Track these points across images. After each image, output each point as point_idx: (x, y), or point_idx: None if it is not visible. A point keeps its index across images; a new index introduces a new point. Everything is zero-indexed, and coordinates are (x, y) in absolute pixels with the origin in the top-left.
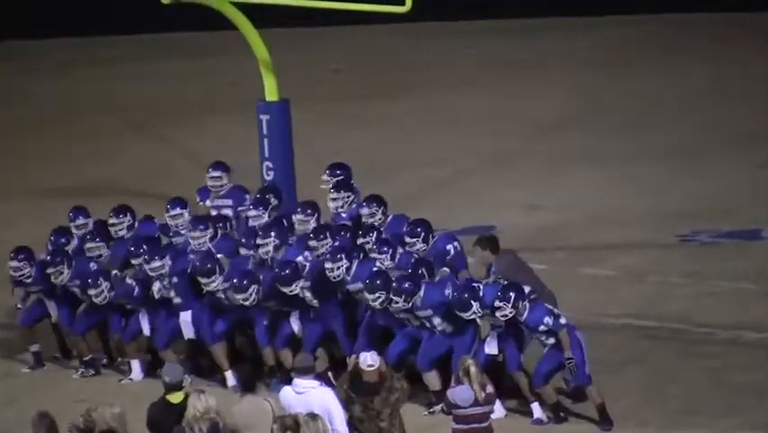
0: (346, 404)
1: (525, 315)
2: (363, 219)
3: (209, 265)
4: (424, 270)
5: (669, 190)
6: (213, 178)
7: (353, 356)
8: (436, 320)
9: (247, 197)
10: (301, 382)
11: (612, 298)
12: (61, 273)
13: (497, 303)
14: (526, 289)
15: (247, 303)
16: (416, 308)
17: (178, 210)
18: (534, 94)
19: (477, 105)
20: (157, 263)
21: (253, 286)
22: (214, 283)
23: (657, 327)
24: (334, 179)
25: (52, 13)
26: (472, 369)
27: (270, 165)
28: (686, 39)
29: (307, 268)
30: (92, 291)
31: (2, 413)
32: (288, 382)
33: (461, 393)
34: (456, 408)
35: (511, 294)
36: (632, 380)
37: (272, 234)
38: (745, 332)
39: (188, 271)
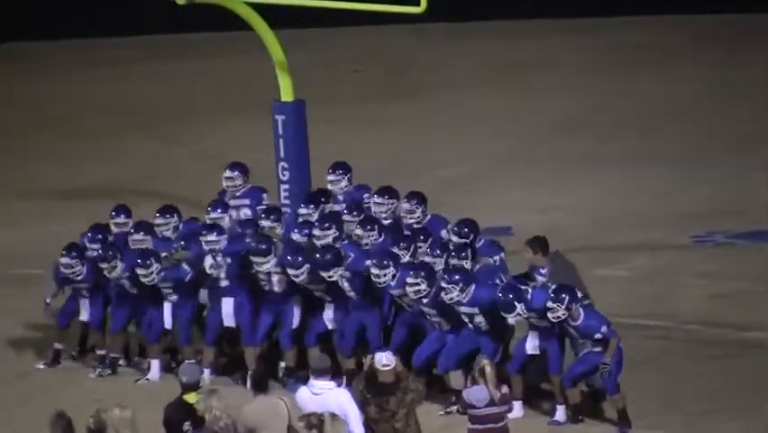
0: (362, 405)
1: (580, 321)
2: (402, 215)
3: (264, 246)
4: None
5: (682, 191)
6: (227, 178)
7: (369, 356)
8: (478, 319)
9: (265, 196)
10: (318, 383)
11: (626, 299)
12: (115, 267)
13: (549, 304)
14: (579, 293)
15: (297, 280)
16: (462, 304)
17: (218, 213)
18: (546, 95)
19: (490, 107)
20: (212, 237)
21: (306, 265)
22: (268, 264)
23: (671, 328)
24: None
25: (66, 14)
26: (488, 369)
27: (286, 165)
28: (695, 41)
29: (350, 260)
30: (142, 271)
31: (18, 412)
32: (305, 381)
33: (476, 393)
34: (472, 408)
35: (565, 296)
36: (646, 381)
37: (333, 226)
38: (760, 333)
39: (242, 254)
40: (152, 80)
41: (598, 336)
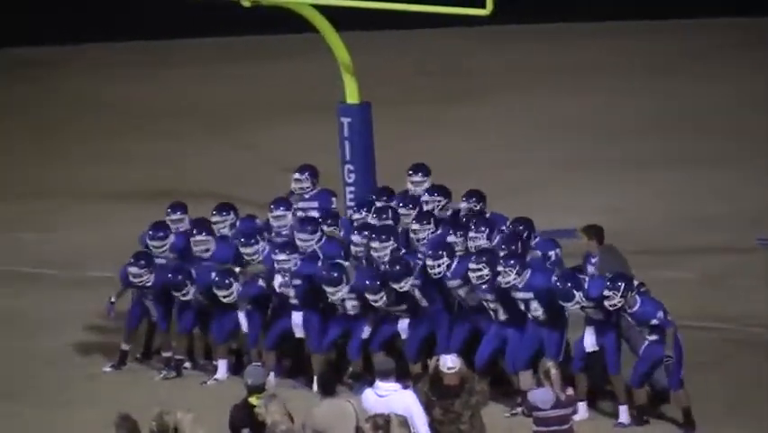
0: (427, 407)
1: (636, 307)
2: (462, 214)
3: (336, 275)
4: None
5: (747, 193)
6: (296, 180)
7: (434, 359)
8: (534, 305)
9: (333, 200)
10: (383, 385)
11: (692, 301)
12: (188, 293)
13: (606, 292)
14: (635, 281)
15: (376, 305)
16: (517, 289)
17: (281, 211)
18: (606, 97)
19: (550, 109)
20: (282, 256)
21: (384, 291)
22: (341, 293)
23: (738, 331)
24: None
25: (125, 18)
26: (553, 371)
27: (351, 168)
28: (758, 41)
29: (418, 266)
30: (222, 292)
31: (85, 414)
32: (372, 384)
33: (541, 395)
34: (537, 410)
35: (621, 283)
36: (712, 384)
37: (391, 238)
38: None
39: (313, 277)
40: (213, 82)
41: (654, 321)
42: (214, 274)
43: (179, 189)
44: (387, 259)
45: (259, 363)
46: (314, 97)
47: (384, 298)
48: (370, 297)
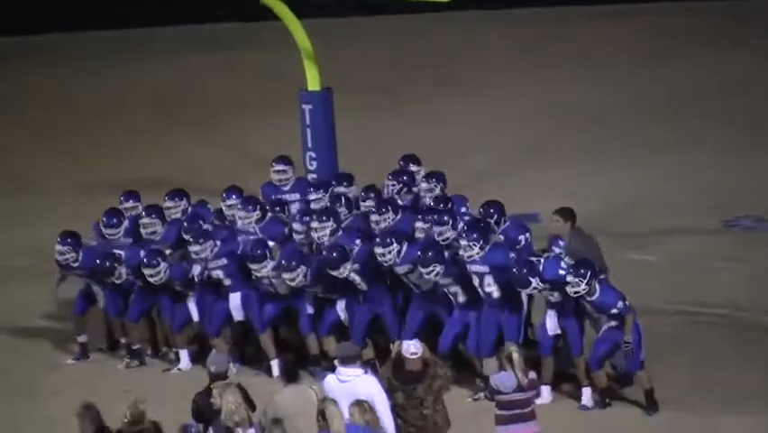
0: (389, 392)
1: (597, 295)
2: (422, 194)
3: (260, 251)
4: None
5: (711, 177)
6: (278, 171)
7: (396, 344)
8: (488, 279)
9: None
10: (345, 371)
11: (657, 283)
12: (119, 275)
13: (570, 279)
14: (597, 268)
15: (293, 284)
16: (475, 262)
17: (233, 199)
18: (576, 82)
19: (519, 94)
20: (197, 247)
21: (302, 267)
22: (265, 269)
23: (703, 313)
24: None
25: (93, 7)
26: (515, 355)
27: (313, 155)
28: (725, 26)
29: (356, 251)
30: (149, 271)
31: (47, 404)
32: (333, 370)
33: (503, 379)
34: (499, 394)
35: (585, 271)
36: (678, 365)
37: (330, 219)
38: None
39: (238, 253)
40: (183, 73)
41: (614, 310)
42: (142, 253)
43: (147, 181)
44: (326, 240)
45: (225, 350)
46: (284, 87)
47: (301, 277)
48: (286, 276)
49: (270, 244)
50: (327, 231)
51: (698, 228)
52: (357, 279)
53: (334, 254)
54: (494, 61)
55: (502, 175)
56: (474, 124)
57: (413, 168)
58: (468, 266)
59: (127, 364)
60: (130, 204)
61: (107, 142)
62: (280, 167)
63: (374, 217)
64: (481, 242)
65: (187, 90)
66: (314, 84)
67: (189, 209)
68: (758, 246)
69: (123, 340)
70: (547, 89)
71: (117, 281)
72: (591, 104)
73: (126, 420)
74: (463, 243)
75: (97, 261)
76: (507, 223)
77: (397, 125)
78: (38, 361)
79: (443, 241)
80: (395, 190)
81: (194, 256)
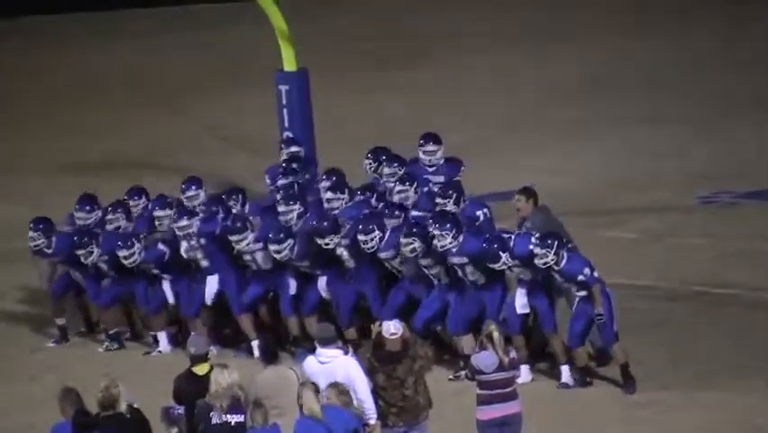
0: (370, 373)
1: (563, 264)
2: (385, 179)
3: (239, 223)
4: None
5: (688, 153)
6: (290, 154)
7: (376, 324)
8: (469, 269)
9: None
10: (325, 352)
11: (633, 260)
12: (91, 253)
13: (537, 250)
14: (564, 238)
15: (279, 257)
16: (452, 254)
17: (193, 190)
18: (550, 59)
19: (494, 71)
20: (184, 222)
21: (289, 240)
22: (245, 241)
23: (679, 289)
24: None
25: None
26: (495, 334)
27: (291, 135)
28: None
29: (347, 228)
30: (123, 253)
31: (28, 388)
32: (313, 351)
33: (484, 359)
34: (480, 373)
35: (552, 241)
36: (655, 341)
37: (297, 202)
38: (765, 293)
39: (217, 232)
40: (159, 53)
41: (581, 277)
42: (115, 237)
43: (121, 161)
44: (293, 223)
45: (203, 332)
46: (257, 66)
47: (287, 251)
48: (273, 248)
49: (251, 218)
50: (294, 214)
51: (674, 205)
52: (345, 254)
53: (325, 224)
54: (473, 39)
55: (480, 153)
56: (452, 102)
57: (428, 147)
58: (447, 258)
59: (107, 348)
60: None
61: (82, 122)
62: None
63: (328, 195)
64: (454, 231)
65: (163, 70)
66: (289, 64)
67: (149, 205)
68: (733, 223)
69: (102, 325)
70: (528, 66)
71: (85, 261)
72: (572, 80)
73: (99, 404)
74: (436, 233)
75: (75, 238)
76: (467, 202)
77: (375, 104)
78: (17, 344)
79: (406, 204)
80: (372, 169)
81: (179, 233)
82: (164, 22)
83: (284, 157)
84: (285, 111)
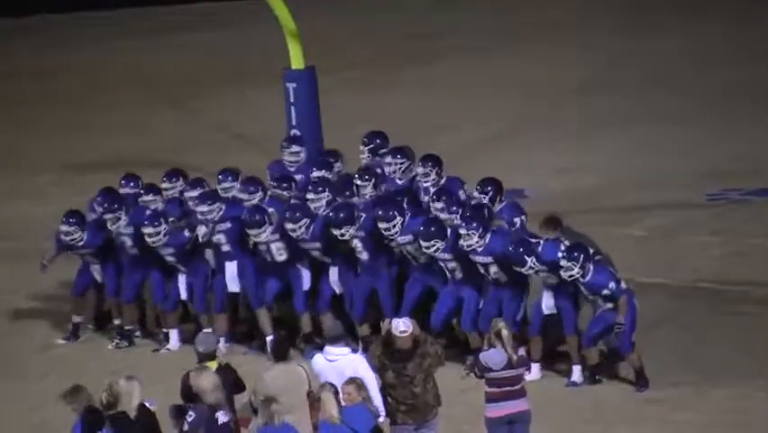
0: (379, 371)
1: (589, 277)
2: (417, 178)
3: (258, 217)
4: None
5: (696, 151)
6: (293, 153)
7: (386, 321)
8: (493, 268)
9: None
10: (332, 350)
11: (643, 258)
12: (119, 219)
13: (564, 262)
14: (591, 250)
15: (295, 234)
16: (477, 253)
17: (229, 182)
18: (563, 56)
19: (507, 69)
20: (205, 207)
21: (305, 219)
22: (264, 234)
23: (689, 287)
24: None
25: None
26: (504, 332)
27: (298, 133)
28: None
29: (362, 219)
30: (149, 230)
31: (38, 385)
32: (321, 348)
33: (493, 356)
34: (489, 371)
35: (579, 254)
36: (665, 339)
37: (326, 189)
38: None
39: (241, 218)
40: (166, 52)
41: (606, 292)
42: (145, 214)
43: (131, 159)
44: (321, 211)
45: (210, 330)
46: (266, 64)
47: (302, 230)
48: (289, 226)
49: (269, 210)
50: (323, 202)
51: (683, 203)
52: (359, 246)
53: (341, 214)
54: (483, 36)
55: (490, 150)
56: (461, 99)
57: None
58: (471, 256)
59: (117, 345)
60: (129, 189)
61: (89, 120)
62: (296, 148)
63: (358, 182)
64: (480, 230)
65: (169, 68)
66: (297, 62)
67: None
68: (741, 220)
69: (116, 321)
70: (537, 64)
71: (110, 227)
72: (581, 77)
73: (103, 404)
74: (462, 231)
75: (105, 204)
76: (504, 203)
77: (386, 101)
78: (27, 341)
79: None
80: (398, 170)
81: (200, 217)
82: (171, 20)
83: (290, 153)
84: (293, 109)
